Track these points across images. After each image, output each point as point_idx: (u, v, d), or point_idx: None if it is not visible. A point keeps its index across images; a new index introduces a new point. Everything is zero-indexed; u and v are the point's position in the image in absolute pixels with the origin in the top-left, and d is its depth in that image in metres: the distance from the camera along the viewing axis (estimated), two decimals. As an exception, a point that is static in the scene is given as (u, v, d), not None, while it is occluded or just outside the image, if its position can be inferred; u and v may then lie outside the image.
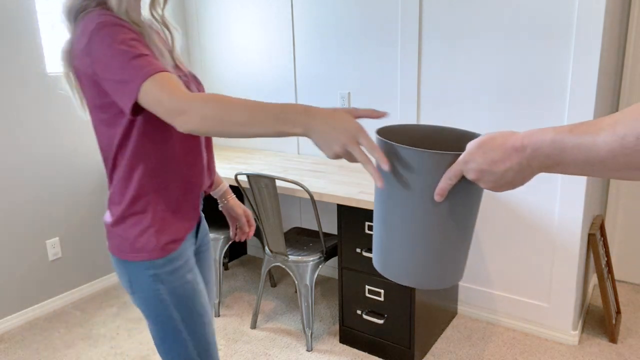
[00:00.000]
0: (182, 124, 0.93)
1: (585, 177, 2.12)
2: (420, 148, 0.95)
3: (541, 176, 2.24)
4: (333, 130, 0.84)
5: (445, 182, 0.78)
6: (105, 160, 1.17)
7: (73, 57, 1.07)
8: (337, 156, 0.86)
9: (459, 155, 0.77)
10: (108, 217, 1.20)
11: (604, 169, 0.61)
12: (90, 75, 1.03)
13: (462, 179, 0.79)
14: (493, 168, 0.72)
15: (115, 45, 0.97)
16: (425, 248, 0.84)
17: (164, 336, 1.21)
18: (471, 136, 0.91)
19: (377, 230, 0.91)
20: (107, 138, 1.13)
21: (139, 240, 1.15)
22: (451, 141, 0.94)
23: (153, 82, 0.95)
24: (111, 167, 1.16)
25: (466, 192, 0.81)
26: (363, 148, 0.85)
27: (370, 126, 2.69)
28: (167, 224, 1.17)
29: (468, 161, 0.75)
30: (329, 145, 0.85)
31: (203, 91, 1.21)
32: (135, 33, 1.03)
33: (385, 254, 0.89)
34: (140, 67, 0.96)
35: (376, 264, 0.93)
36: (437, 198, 0.80)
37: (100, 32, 0.99)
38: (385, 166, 0.80)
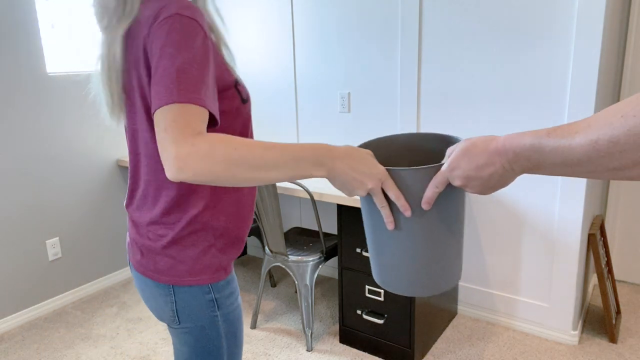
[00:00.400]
0: (175, 172, 0.76)
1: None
2: (399, 159, 0.98)
3: (541, 176, 2.24)
4: (360, 175, 0.81)
5: (432, 190, 0.79)
6: (150, 171, 0.99)
7: (140, 44, 0.91)
8: (349, 195, 0.85)
9: (440, 165, 0.79)
10: (152, 239, 1.02)
11: (583, 170, 0.62)
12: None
13: (447, 185, 0.80)
14: (479, 173, 0.74)
15: (181, 47, 0.83)
16: (417, 257, 0.86)
17: None
18: (443, 138, 0.93)
19: (370, 246, 0.92)
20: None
21: (200, 261, 1.01)
22: (427, 146, 0.96)
23: (177, 108, 0.79)
24: (163, 180, 0.99)
25: (450, 197, 0.83)
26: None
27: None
28: (229, 239, 1.05)
29: (454, 168, 0.76)
30: (352, 189, 0.83)
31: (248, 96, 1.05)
32: (207, 37, 0.88)
33: (381, 268, 0.91)
34: (183, 85, 0.81)
35: (375, 278, 0.94)
36: (424, 207, 0.80)
37: (174, 22, 0.84)
38: (408, 213, 0.81)
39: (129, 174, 1.06)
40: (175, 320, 1.04)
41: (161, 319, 1.07)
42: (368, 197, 0.85)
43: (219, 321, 1.05)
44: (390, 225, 0.83)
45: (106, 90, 0.97)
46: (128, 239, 1.11)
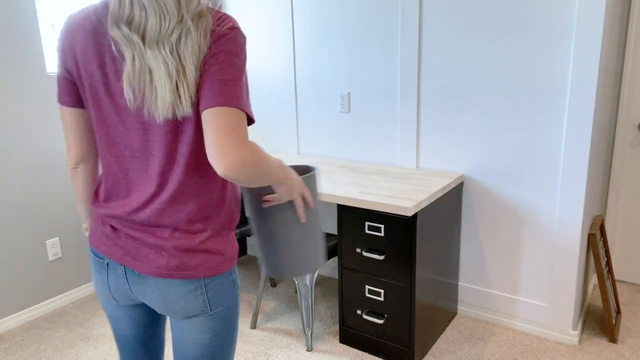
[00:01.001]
0: (231, 171, 0.90)
1: (585, 176, 2.12)
2: None
3: (541, 176, 2.24)
4: (297, 184, 1.11)
5: None
6: (189, 170, 1.01)
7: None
8: (286, 199, 1.11)
9: (313, 174, 1.19)
10: (185, 237, 1.04)
11: None
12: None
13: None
14: None
15: (243, 60, 0.96)
16: (313, 240, 1.20)
17: (222, 353, 1.16)
18: (305, 167, 1.31)
19: (272, 245, 1.17)
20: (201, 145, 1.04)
21: (229, 248, 1.10)
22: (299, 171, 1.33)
23: (240, 114, 0.92)
24: (205, 178, 1.04)
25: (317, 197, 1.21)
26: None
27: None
28: (236, 221, 1.15)
29: None
30: (290, 193, 1.10)
31: None
32: None
33: (282, 260, 1.18)
34: (246, 97, 0.94)
35: (274, 272, 1.19)
36: None
37: (237, 36, 0.95)
38: (313, 205, 1.17)
39: (156, 178, 1.02)
40: (207, 309, 1.09)
41: (187, 314, 1.08)
42: (278, 206, 1.13)
43: (238, 299, 1.16)
44: (303, 219, 1.15)
45: (180, 84, 0.92)
46: (134, 245, 1.06)
